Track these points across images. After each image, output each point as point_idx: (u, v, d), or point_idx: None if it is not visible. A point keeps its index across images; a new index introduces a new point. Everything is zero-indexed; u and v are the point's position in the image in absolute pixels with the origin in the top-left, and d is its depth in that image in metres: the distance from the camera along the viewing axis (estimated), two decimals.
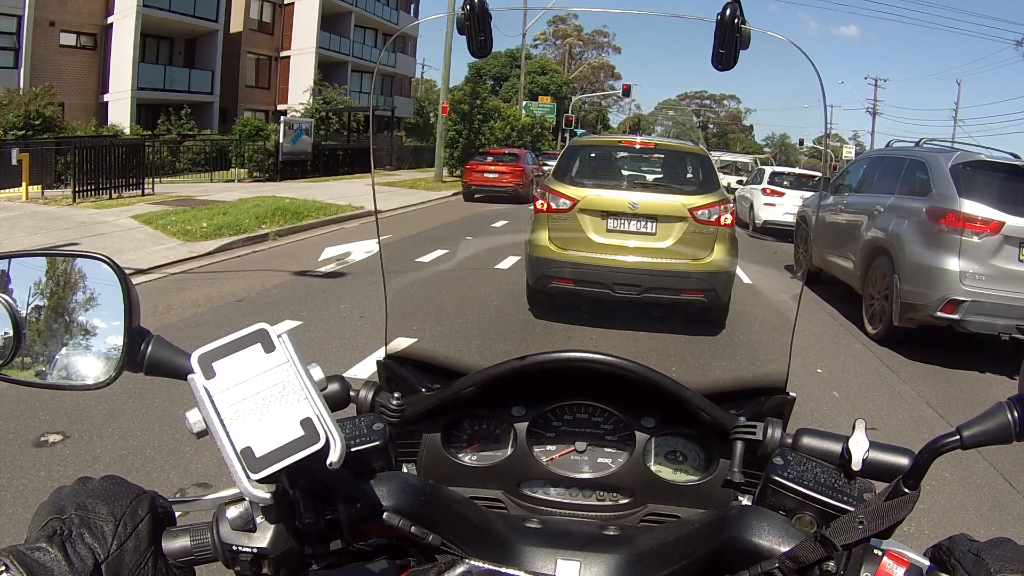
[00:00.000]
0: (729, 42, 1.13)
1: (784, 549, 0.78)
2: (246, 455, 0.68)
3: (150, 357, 0.86)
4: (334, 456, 0.70)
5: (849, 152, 46.78)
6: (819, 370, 6.76)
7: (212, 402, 0.71)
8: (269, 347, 0.74)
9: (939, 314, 7.26)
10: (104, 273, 0.90)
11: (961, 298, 7.15)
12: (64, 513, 0.76)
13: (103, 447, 4.40)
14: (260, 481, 0.69)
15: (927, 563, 0.81)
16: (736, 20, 1.13)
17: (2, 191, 17.04)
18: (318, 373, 0.76)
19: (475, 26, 1.16)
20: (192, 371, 0.73)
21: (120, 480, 0.83)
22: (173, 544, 0.82)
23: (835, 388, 6.34)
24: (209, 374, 0.73)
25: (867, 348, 7.95)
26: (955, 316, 7.19)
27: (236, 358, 0.74)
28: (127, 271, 0.90)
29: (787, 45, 1.30)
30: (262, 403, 0.71)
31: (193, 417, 0.73)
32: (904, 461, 0.88)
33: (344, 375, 1.05)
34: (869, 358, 7.59)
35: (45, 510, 0.78)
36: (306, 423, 0.70)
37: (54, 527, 0.75)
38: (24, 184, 16.53)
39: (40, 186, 17.27)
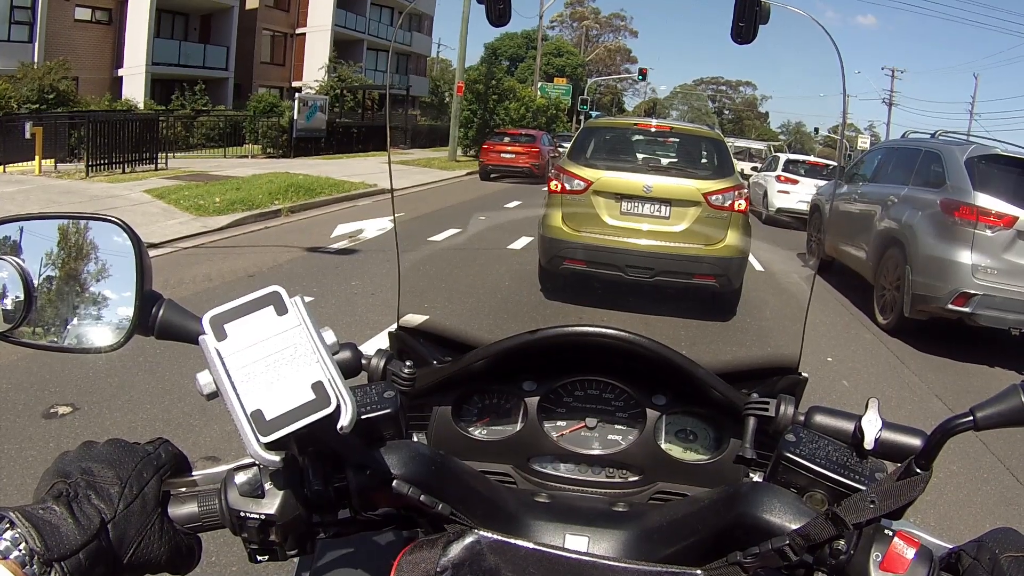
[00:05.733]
0: (749, 15, 1.12)
1: (795, 526, 0.78)
2: (256, 418, 0.67)
3: (161, 320, 0.86)
4: (345, 420, 0.69)
5: (864, 142, 46.31)
6: (829, 359, 6.74)
7: (223, 364, 0.70)
8: (282, 310, 0.73)
9: (950, 307, 7.23)
10: (116, 238, 0.89)
11: (973, 291, 7.12)
12: (69, 477, 0.76)
13: (112, 419, 4.42)
14: (270, 446, 0.68)
15: (938, 543, 0.80)
16: None
17: (16, 165, 17.07)
18: (330, 337, 0.75)
19: None
20: (203, 332, 0.73)
21: (124, 443, 0.82)
22: (180, 510, 0.82)
23: (845, 377, 6.32)
24: (221, 336, 0.72)
25: (877, 338, 7.92)
26: (966, 309, 7.16)
27: (248, 320, 0.73)
28: None
29: (806, 24, 1.28)
30: (273, 365, 0.70)
31: (203, 379, 0.72)
32: (916, 441, 0.87)
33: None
34: (879, 348, 7.56)
35: (50, 475, 0.77)
36: (317, 387, 0.69)
37: (60, 489, 0.74)
38: (37, 158, 16.56)
39: (53, 160, 17.30)
